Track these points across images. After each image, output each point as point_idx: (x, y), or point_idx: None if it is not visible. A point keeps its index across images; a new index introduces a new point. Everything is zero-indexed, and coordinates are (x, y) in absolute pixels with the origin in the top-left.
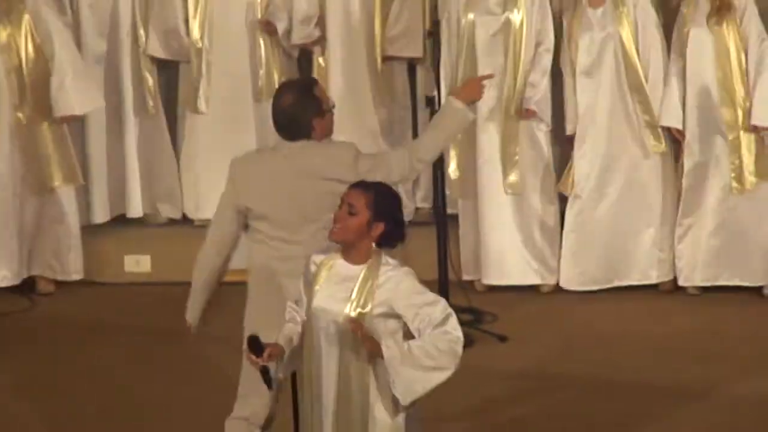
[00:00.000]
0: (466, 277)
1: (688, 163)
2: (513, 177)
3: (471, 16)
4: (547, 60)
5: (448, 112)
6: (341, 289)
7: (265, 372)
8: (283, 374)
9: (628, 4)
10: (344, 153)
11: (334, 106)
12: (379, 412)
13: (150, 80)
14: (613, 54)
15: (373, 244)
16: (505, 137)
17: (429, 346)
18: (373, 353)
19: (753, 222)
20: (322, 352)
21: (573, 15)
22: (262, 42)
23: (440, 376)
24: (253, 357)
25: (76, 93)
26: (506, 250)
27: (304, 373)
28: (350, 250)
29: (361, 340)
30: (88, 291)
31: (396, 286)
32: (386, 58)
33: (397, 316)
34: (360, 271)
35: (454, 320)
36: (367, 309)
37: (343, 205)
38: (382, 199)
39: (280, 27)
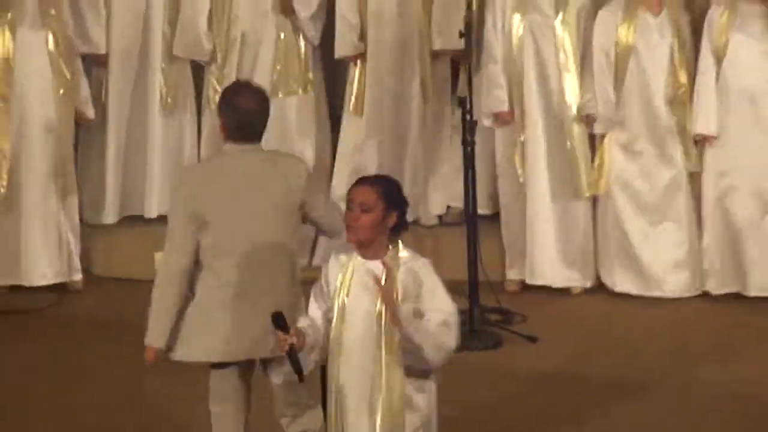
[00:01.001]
0: (512, 276)
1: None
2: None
3: (517, 18)
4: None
5: None
6: (366, 287)
7: (292, 354)
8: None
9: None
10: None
11: None
12: (415, 399)
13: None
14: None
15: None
16: (553, 142)
17: (432, 325)
18: (394, 320)
19: None
20: (355, 348)
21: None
22: (282, 34)
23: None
24: (281, 334)
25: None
26: (546, 251)
27: (334, 371)
28: (367, 247)
29: (389, 314)
30: (117, 287)
31: (414, 280)
32: (434, 55)
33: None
34: (380, 265)
35: (453, 330)
36: (395, 296)
37: (354, 206)
38: (390, 188)
39: (303, 15)
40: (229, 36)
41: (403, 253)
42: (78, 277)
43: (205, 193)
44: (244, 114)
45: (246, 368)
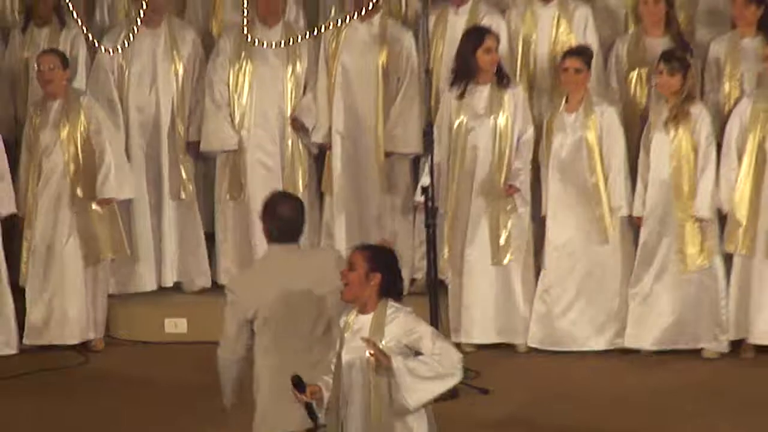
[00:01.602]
0: (455, 339)
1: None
2: (501, 252)
3: (462, 118)
4: (527, 152)
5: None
6: (358, 335)
7: (309, 408)
8: (324, 420)
9: (596, 112)
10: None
11: None
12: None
13: (184, 170)
14: (581, 153)
15: (375, 296)
16: (493, 218)
17: (428, 359)
18: (384, 366)
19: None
20: (351, 388)
21: (551, 117)
22: (290, 140)
23: (445, 384)
24: (297, 394)
25: (116, 183)
26: (489, 314)
27: (332, 405)
28: (362, 304)
29: (374, 354)
30: (134, 349)
31: (400, 324)
32: (389, 154)
33: (406, 350)
34: (370, 317)
35: (441, 341)
36: (380, 345)
37: (347, 266)
38: (377, 254)
39: (309, 124)
40: (248, 129)
41: (390, 309)
42: (100, 336)
43: (257, 298)
44: (286, 221)
45: None
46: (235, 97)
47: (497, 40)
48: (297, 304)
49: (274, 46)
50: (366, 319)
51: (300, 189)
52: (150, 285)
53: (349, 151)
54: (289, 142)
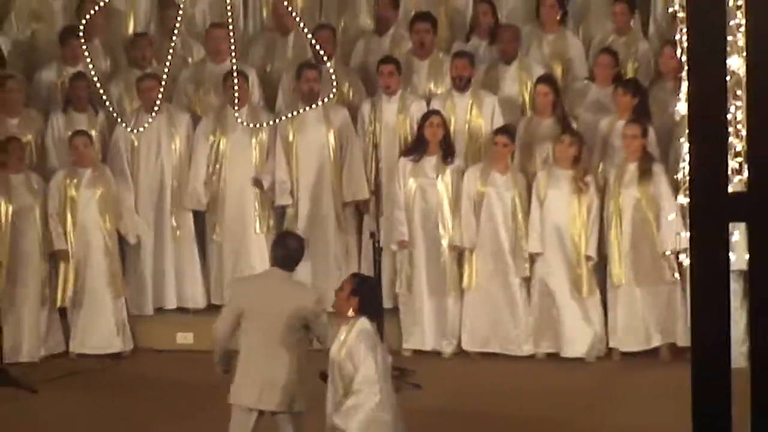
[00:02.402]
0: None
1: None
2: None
3: (415, 180)
4: (464, 212)
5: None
6: (336, 341)
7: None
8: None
9: (519, 176)
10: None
11: None
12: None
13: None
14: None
15: (353, 312)
16: (435, 263)
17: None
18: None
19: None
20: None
21: (484, 182)
22: (257, 196)
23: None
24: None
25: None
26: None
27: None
28: (344, 318)
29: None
30: (152, 356)
31: (352, 340)
32: (345, 204)
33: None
34: (344, 329)
35: (363, 394)
36: (342, 354)
37: (340, 286)
38: (360, 282)
39: (265, 184)
40: (218, 194)
41: (357, 327)
42: (130, 346)
43: (247, 298)
44: (292, 251)
45: (257, 417)
46: (214, 162)
47: (443, 120)
48: (273, 318)
49: (244, 124)
50: (344, 329)
51: (267, 233)
52: (150, 309)
53: (309, 207)
54: (254, 196)
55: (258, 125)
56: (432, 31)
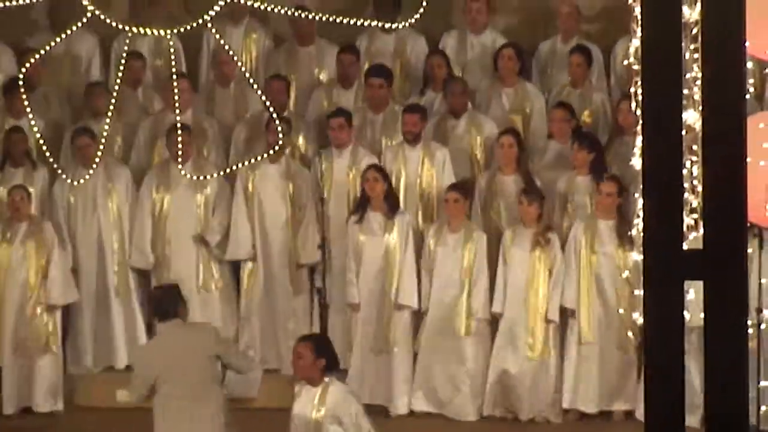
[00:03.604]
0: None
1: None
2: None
3: (362, 237)
4: (411, 268)
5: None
6: (308, 402)
7: None
8: None
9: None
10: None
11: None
12: None
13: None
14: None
15: (322, 375)
16: (384, 322)
17: None
18: None
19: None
20: None
21: (436, 240)
22: (201, 253)
23: None
24: None
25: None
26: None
27: None
28: (311, 380)
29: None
30: (90, 414)
31: (334, 394)
32: (299, 265)
33: (339, 420)
34: (317, 391)
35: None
36: (321, 413)
37: (295, 354)
38: (320, 342)
39: (212, 241)
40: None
41: (334, 387)
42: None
43: (152, 365)
44: (156, 302)
45: None
46: (158, 218)
47: (381, 173)
48: (181, 369)
49: (190, 177)
50: (316, 390)
51: (214, 290)
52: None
53: (263, 264)
54: (198, 253)
55: (203, 178)
56: (386, 84)
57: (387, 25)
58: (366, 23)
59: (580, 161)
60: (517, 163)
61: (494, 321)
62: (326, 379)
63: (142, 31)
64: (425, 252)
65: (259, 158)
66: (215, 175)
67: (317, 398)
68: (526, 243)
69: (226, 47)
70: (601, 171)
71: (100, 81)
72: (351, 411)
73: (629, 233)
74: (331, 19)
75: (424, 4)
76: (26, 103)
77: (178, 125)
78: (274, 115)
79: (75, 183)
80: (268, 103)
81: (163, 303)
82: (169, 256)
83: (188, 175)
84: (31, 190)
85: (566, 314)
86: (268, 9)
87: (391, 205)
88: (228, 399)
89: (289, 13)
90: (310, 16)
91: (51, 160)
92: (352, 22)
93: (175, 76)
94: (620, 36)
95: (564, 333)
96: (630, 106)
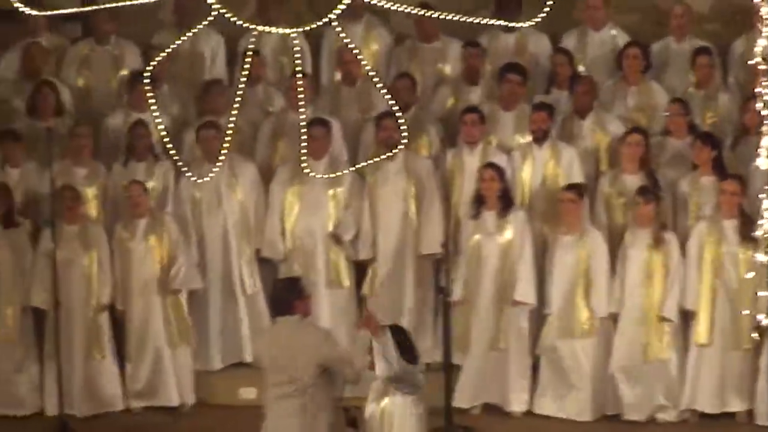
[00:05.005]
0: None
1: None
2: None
3: (477, 237)
4: (529, 265)
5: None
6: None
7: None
8: None
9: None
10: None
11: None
12: None
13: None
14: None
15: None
16: (500, 320)
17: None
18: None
19: None
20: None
21: (553, 241)
22: (330, 249)
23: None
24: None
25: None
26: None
27: None
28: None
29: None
30: (213, 411)
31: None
32: (421, 256)
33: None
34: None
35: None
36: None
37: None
38: (394, 334)
39: (347, 237)
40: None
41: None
42: (192, 401)
43: (260, 357)
44: (274, 295)
45: None
46: (288, 213)
47: (498, 172)
48: (286, 364)
49: (321, 176)
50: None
51: (342, 286)
52: (218, 363)
53: (387, 261)
54: (326, 249)
55: (334, 176)
56: (522, 82)
57: (510, 24)
58: (488, 22)
59: (703, 159)
60: (641, 162)
61: (613, 320)
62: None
63: (266, 29)
64: (546, 252)
65: (382, 157)
66: (343, 173)
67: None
68: (642, 242)
69: (351, 46)
70: (723, 170)
71: (219, 79)
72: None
73: (753, 234)
74: (454, 18)
75: (549, 2)
76: (150, 98)
77: (304, 123)
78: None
79: (199, 180)
80: (392, 102)
81: (280, 296)
82: (297, 251)
83: (319, 174)
84: (150, 184)
85: (688, 315)
86: (391, 7)
87: (506, 204)
88: (337, 398)
89: (413, 12)
90: (434, 15)
91: (174, 155)
92: (475, 21)
93: (301, 75)
94: (733, 35)
95: (686, 333)
96: (755, 106)
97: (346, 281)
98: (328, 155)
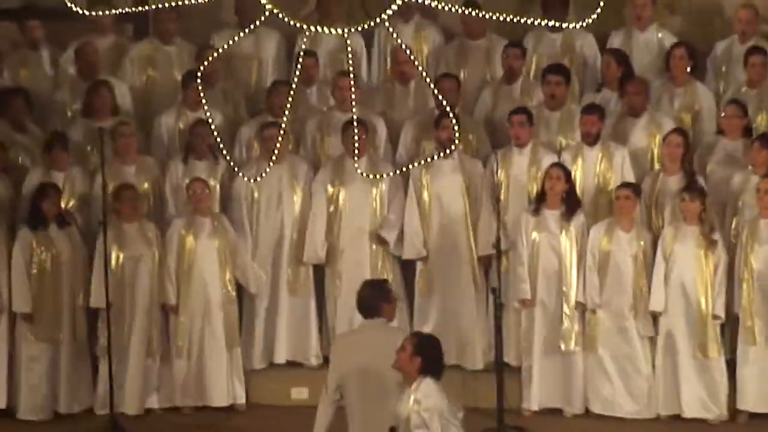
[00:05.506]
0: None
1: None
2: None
3: (534, 234)
4: (590, 264)
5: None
6: (405, 400)
7: None
8: None
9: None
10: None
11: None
12: None
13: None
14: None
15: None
16: (558, 321)
17: None
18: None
19: None
20: None
21: (609, 240)
22: (376, 251)
23: None
24: None
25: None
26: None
27: None
28: (408, 378)
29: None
30: (264, 411)
31: (422, 404)
32: (478, 259)
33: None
34: (410, 390)
35: None
36: (413, 413)
37: (400, 346)
38: (422, 342)
39: (390, 238)
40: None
41: (425, 385)
42: (243, 400)
43: (342, 360)
44: (362, 298)
45: None
46: (333, 213)
47: (564, 172)
48: (372, 375)
49: (363, 175)
50: (409, 390)
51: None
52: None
53: (439, 261)
54: (372, 250)
55: (378, 176)
56: (564, 83)
57: (558, 25)
58: (536, 22)
59: (760, 161)
60: (681, 163)
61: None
62: (419, 378)
63: (319, 29)
64: (596, 251)
65: (435, 157)
66: (390, 174)
67: (412, 398)
68: (689, 240)
69: (403, 46)
70: None
71: (284, 80)
72: (430, 406)
73: None
74: (501, 18)
75: (602, 4)
76: (203, 97)
77: (355, 120)
78: (450, 113)
79: (256, 179)
80: (444, 101)
81: (367, 299)
82: (343, 250)
83: (362, 173)
84: (212, 183)
85: (731, 315)
86: (439, 6)
87: (570, 205)
88: None
89: (460, 11)
90: (480, 15)
91: (226, 155)
92: (522, 20)
93: (352, 75)
94: None
95: (736, 333)
96: None
97: (390, 280)
98: (367, 154)
